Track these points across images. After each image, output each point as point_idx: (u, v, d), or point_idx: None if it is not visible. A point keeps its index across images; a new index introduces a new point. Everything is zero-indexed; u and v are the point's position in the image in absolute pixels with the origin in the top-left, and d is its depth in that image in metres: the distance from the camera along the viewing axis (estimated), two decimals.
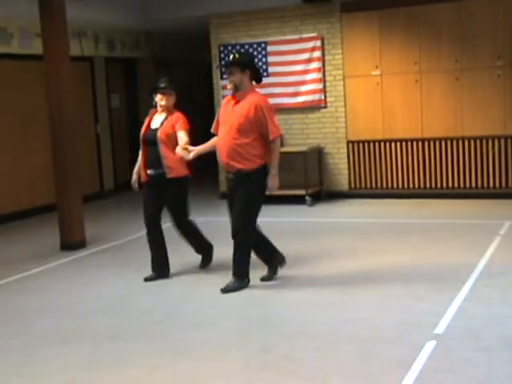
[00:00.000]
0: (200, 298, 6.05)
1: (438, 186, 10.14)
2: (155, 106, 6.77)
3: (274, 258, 6.38)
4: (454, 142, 9.98)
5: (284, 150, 10.61)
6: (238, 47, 10.89)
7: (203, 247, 6.99)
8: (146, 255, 6.81)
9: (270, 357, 4.65)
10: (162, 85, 6.68)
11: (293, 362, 4.54)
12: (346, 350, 4.67)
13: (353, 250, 7.41)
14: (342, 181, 10.67)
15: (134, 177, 6.84)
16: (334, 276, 6.48)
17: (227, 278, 6.20)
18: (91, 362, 4.76)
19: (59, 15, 8.06)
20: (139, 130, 6.80)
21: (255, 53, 10.76)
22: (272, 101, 10.73)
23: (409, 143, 10.23)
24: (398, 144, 10.28)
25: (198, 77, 15.11)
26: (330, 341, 4.87)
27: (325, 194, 10.64)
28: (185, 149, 6.17)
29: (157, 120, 6.69)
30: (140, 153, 6.75)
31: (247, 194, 5.99)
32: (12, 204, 10.47)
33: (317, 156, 10.65)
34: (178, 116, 6.62)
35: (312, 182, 10.50)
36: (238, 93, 6.05)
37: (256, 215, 6.12)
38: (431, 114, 10.04)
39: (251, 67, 6.08)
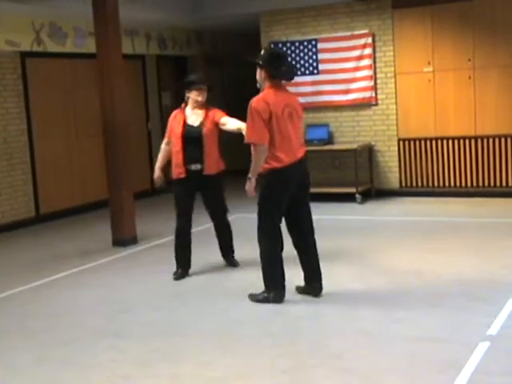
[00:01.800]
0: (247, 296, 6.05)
1: (492, 184, 9.95)
2: (186, 103, 6.73)
3: (274, 280, 5.78)
4: (509, 140, 9.78)
5: (334, 147, 10.63)
6: (288, 44, 10.88)
7: (228, 248, 7.01)
8: (197, 251, 6.85)
9: (322, 354, 4.64)
10: (195, 80, 6.67)
11: (345, 359, 4.52)
12: (397, 349, 4.63)
13: (403, 248, 7.34)
14: (393, 179, 10.56)
15: (158, 173, 6.96)
16: (384, 273, 6.43)
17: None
18: (143, 357, 4.81)
19: (112, 15, 8.17)
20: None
21: (305, 50, 10.73)
22: (322, 98, 10.77)
23: (461, 141, 10.06)
24: (450, 142, 10.13)
25: (248, 74, 15.11)
26: (381, 339, 4.83)
27: (375, 192, 10.56)
28: None
29: (193, 116, 6.66)
30: (165, 149, 6.87)
31: (259, 196, 5.68)
32: (66, 200, 10.67)
33: (367, 154, 10.57)
34: (215, 110, 6.67)
35: (362, 180, 10.42)
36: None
37: (269, 218, 5.65)
38: (485, 111, 9.86)
39: (265, 65, 5.60)
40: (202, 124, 6.60)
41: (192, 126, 6.62)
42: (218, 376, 4.41)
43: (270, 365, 4.52)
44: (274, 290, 5.73)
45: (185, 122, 6.67)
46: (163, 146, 7.00)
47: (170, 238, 8.61)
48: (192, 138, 6.58)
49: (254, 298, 5.84)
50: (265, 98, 5.56)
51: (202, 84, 6.66)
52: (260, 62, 5.66)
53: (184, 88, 6.74)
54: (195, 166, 6.60)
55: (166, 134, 6.96)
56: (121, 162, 8.30)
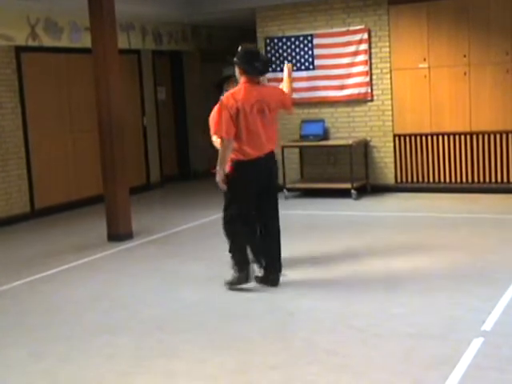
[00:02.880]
0: (243, 292, 6.07)
1: (487, 180, 9.97)
2: None
3: (243, 266, 6.07)
4: (504, 136, 9.80)
5: (330, 143, 10.63)
6: (284, 40, 10.88)
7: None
8: (193, 247, 6.86)
9: (315, 350, 4.65)
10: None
11: (338, 356, 4.54)
12: (391, 346, 4.64)
13: (398, 244, 7.35)
14: (388, 174, 10.58)
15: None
16: (380, 270, 6.44)
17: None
18: (139, 353, 4.82)
19: (108, 9, 8.15)
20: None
21: (301, 45, 10.73)
22: (318, 94, 10.78)
23: (456, 137, 10.08)
24: (446, 138, 10.15)
25: None
26: (375, 336, 4.85)
27: (370, 188, 10.57)
28: None
29: None
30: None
31: (227, 186, 5.96)
32: (61, 195, 10.66)
33: (363, 149, 10.58)
34: None
35: (358, 176, 10.43)
36: None
37: (235, 206, 5.96)
38: (480, 107, 9.88)
39: (239, 63, 5.93)
40: None
41: None
42: (212, 372, 4.42)
43: (263, 361, 4.54)
44: (239, 272, 6.01)
45: None
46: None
47: (166, 233, 8.65)
48: None
49: (228, 284, 6.06)
50: (234, 94, 5.86)
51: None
52: (235, 60, 5.93)
53: (222, 82, 6.63)
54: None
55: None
56: (116, 157, 8.29)
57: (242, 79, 5.96)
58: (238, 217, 6.01)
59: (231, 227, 6.05)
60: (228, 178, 5.92)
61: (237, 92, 5.88)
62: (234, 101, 5.80)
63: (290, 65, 6.48)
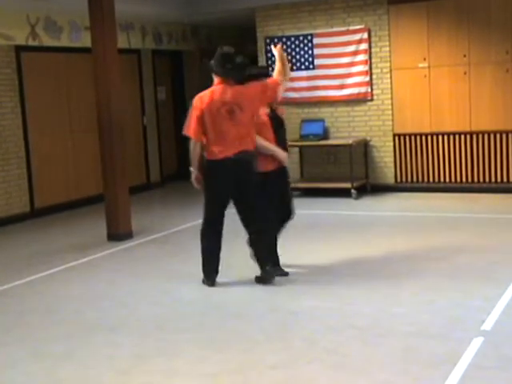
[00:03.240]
0: (243, 291, 6.07)
1: (487, 180, 9.97)
2: None
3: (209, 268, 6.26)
4: (504, 136, 9.80)
5: (329, 142, 10.64)
6: (284, 39, 10.88)
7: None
8: (193, 247, 6.86)
9: (315, 349, 4.65)
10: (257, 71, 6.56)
11: (338, 355, 4.54)
12: (391, 345, 4.64)
13: (398, 244, 7.35)
14: (388, 174, 10.58)
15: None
16: (379, 269, 6.45)
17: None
18: (139, 352, 4.82)
19: (108, 9, 8.15)
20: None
21: (301, 45, 10.73)
22: (318, 93, 10.78)
23: (456, 136, 10.08)
24: (446, 137, 10.15)
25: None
26: (375, 335, 4.85)
27: (370, 188, 10.58)
28: None
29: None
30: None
31: None
32: (61, 195, 10.66)
33: (363, 149, 10.58)
34: None
35: (358, 175, 10.44)
36: None
37: (206, 209, 6.13)
38: (480, 106, 9.88)
39: (213, 64, 6.01)
40: None
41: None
42: (212, 371, 4.42)
43: (263, 360, 4.53)
44: (204, 275, 6.22)
45: None
46: None
47: (166, 232, 8.65)
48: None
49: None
50: (202, 95, 6.02)
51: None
52: (210, 61, 6.05)
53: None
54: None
55: None
56: (116, 156, 8.29)
57: (215, 80, 6.04)
58: (208, 224, 6.14)
59: (202, 240, 6.21)
60: (203, 178, 6.10)
61: (207, 93, 5.99)
62: (201, 102, 5.96)
63: (279, 46, 6.41)
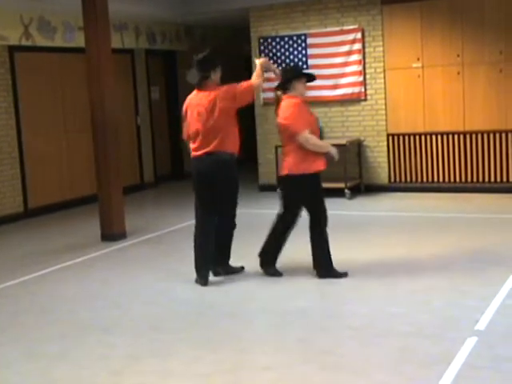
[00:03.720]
0: (238, 291, 6.08)
1: (480, 179, 9.99)
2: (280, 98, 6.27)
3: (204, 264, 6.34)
4: (497, 136, 9.83)
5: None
6: (277, 39, 10.88)
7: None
8: (186, 246, 6.86)
9: (311, 350, 4.66)
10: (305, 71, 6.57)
11: (334, 355, 4.54)
12: (386, 345, 4.65)
13: (393, 244, 7.37)
14: (382, 174, 10.59)
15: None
16: (374, 269, 6.45)
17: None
18: (132, 352, 4.81)
19: (101, 9, 8.14)
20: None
21: (295, 45, 10.74)
22: (311, 93, 10.74)
23: (450, 136, 10.10)
24: (439, 137, 10.17)
25: (238, 69, 15.11)
26: (370, 335, 4.85)
27: (364, 188, 10.59)
28: None
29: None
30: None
31: None
32: (55, 195, 10.64)
33: (356, 149, 10.59)
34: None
35: (351, 175, 10.44)
36: None
37: (195, 207, 6.43)
38: (474, 106, 9.90)
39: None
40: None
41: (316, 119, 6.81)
42: (206, 372, 4.42)
43: (257, 361, 4.54)
44: (196, 273, 6.31)
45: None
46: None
47: (160, 232, 8.64)
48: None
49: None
50: (188, 97, 6.43)
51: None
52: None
53: (292, 77, 6.19)
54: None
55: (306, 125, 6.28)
56: (110, 156, 8.28)
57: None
58: (196, 222, 6.36)
59: (195, 238, 6.36)
60: None
61: (189, 96, 6.43)
62: (185, 103, 6.44)
63: (262, 60, 6.46)
